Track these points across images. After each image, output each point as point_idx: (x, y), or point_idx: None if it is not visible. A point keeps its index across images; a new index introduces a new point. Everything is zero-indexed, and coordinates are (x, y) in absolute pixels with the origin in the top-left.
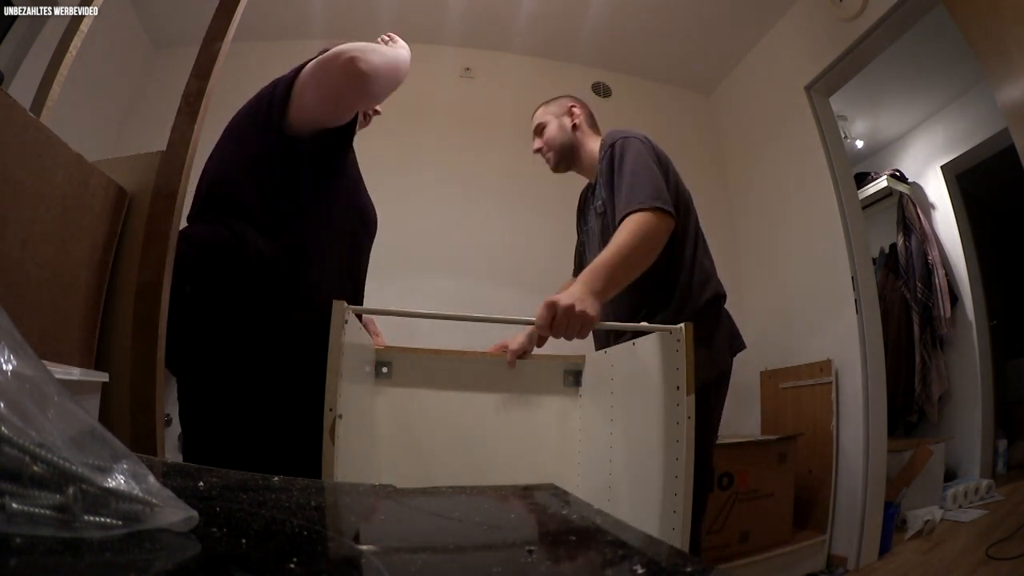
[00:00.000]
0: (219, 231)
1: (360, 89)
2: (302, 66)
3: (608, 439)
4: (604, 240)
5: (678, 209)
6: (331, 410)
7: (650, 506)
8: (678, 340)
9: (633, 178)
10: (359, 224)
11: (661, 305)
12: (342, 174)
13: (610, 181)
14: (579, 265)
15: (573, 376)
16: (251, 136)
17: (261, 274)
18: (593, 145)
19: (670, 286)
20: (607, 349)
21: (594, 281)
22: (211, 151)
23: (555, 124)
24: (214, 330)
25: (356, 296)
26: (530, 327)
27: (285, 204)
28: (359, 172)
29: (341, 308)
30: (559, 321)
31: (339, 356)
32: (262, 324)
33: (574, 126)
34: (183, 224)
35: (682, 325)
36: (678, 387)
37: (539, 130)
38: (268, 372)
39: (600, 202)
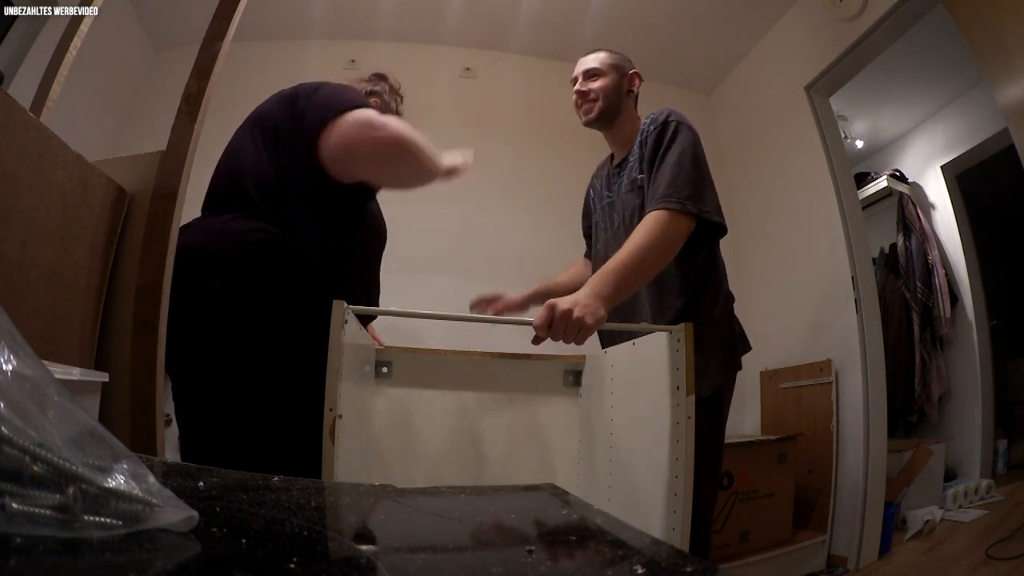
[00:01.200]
0: (261, 227)
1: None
2: (336, 107)
3: (608, 439)
4: (641, 215)
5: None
6: (331, 410)
7: (651, 506)
8: (679, 340)
9: (677, 170)
10: (381, 236)
11: (686, 314)
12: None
13: (653, 156)
14: (589, 246)
15: (573, 376)
16: (288, 146)
17: (305, 276)
18: (633, 120)
19: (699, 293)
20: (607, 349)
21: (604, 286)
22: (236, 141)
23: (614, 79)
24: (241, 327)
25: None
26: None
27: (324, 212)
28: None
29: (341, 308)
30: (556, 325)
31: (339, 356)
32: (294, 323)
33: (629, 91)
34: (192, 215)
35: (683, 325)
36: (678, 387)
37: (591, 75)
38: (290, 369)
39: (637, 176)
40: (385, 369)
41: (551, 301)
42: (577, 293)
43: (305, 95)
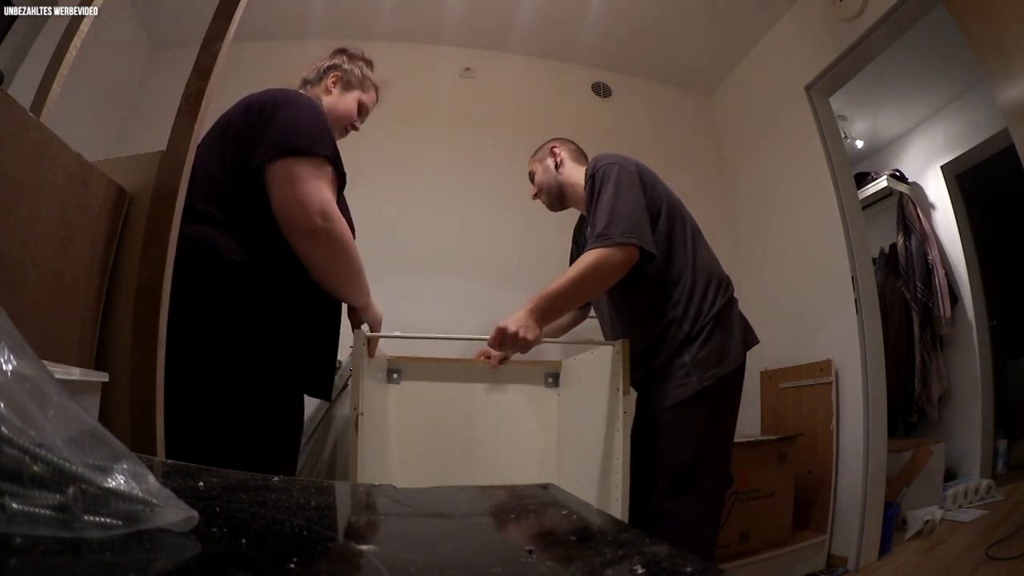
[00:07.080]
0: (212, 234)
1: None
2: (286, 143)
3: (577, 429)
4: None
5: (670, 224)
6: (355, 409)
7: (600, 485)
8: (617, 352)
9: (608, 212)
10: None
11: (644, 331)
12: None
13: (589, 209)
14: None
15: (552, 378)
16: (244, 160)
17: (270, 290)
18: (580, 177)
19: (676, 313)
20: (575, 356)
21: (540, 309)
22: (203, 148)
23: (541, 169)
24: (211, 343)
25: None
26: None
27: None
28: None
29: (361, 336)
30: (505, 343)
31: (362, 368)
32: (264, 338)
33: (557, 165)
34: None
35: (621, 341)
36: (617, 389)
37: (531, 178)
38: (246, 377)
39: (588, 230)
40: (396, 375)
41: (501, 325)
42: (521, 313)
43: (269, 111)
